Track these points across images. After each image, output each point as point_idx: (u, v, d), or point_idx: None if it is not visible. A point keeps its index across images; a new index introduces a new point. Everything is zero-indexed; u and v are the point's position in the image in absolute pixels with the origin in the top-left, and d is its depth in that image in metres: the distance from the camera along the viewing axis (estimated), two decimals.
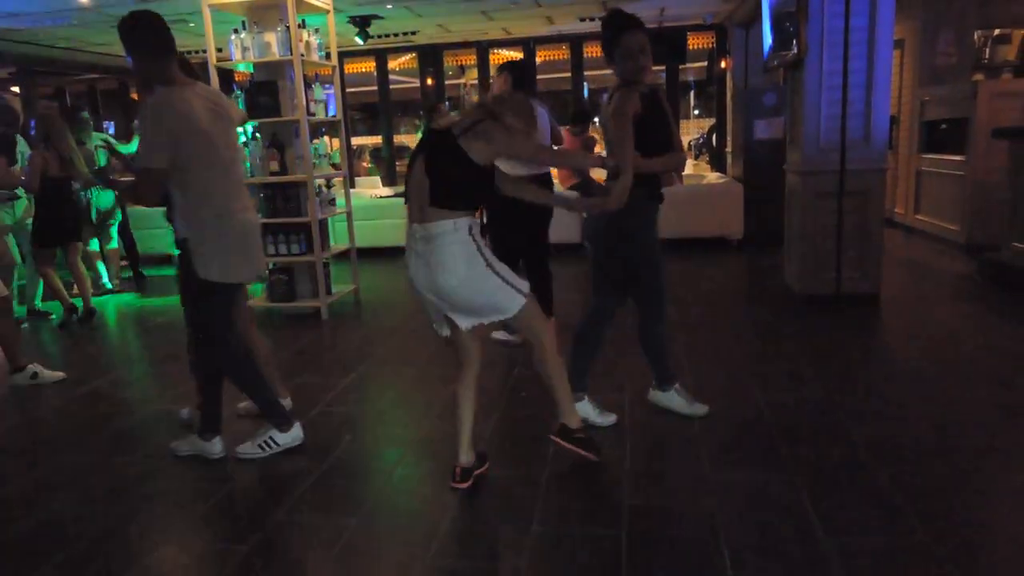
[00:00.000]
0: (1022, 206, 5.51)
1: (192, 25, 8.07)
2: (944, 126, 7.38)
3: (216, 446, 3.27)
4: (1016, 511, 2.54)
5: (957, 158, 6.98)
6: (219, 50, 5.76)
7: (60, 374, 4.52)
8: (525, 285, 2.81)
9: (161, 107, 2.85)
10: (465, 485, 2.86)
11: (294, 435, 3.31)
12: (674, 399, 3.48)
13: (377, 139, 12.88)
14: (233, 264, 3.08)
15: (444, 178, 2.64)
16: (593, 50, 10.76)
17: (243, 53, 5.55)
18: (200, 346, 3.32)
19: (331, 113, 6.12)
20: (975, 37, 7.54)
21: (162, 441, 3.49)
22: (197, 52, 9.06)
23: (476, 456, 2.95)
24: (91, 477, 3.16)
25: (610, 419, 3.42)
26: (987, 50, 7.45)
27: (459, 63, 12.26)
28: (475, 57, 11.38)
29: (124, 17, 2.92)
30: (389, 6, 8.18)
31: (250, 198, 3.30)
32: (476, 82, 11.66)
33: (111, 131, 11.19)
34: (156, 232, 7.74)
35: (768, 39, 5.83)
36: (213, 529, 2.72)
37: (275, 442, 3.27)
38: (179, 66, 3.00)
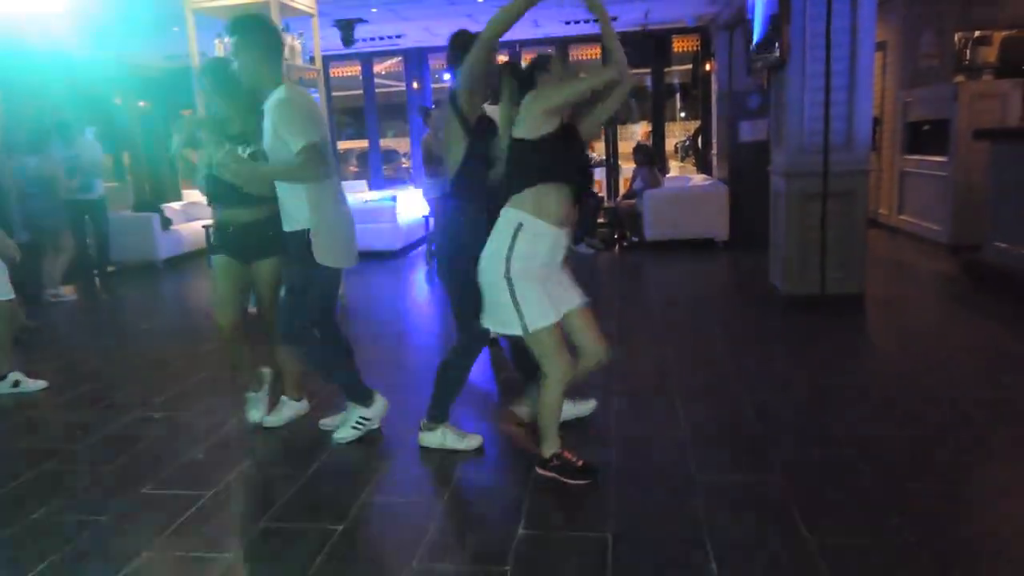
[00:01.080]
0: (1003, 206, 5.56)
1: (176, 29, 8.03)
2: (927, 127, 7.44)
3: (378, 404, 3.44)
4: (1000, 509, 2.56)
5: (940, 159, 7.04)
6: (203, 54, 5.72)
7: (43, 382, 4.47)
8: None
9: (294, 99, 3.02)
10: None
11: (378, 407, 3.43)
12: (448, 436, 3.26)
13: (363, 143, 12.85)
14: (347, 250, 3.28)
15: None
16: (579, 52, 10.79)
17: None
18: (293, 334, 3.30)
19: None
20: (956, 39, 7.63)
21: (146, 446, 3.46)
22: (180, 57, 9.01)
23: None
24: (71, 480, 3.13)
25: (474, 442, 3.25)
26: (968, 52, 7.55)
27: (445, 66, 12.25)
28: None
29: (239, 19, 3.09)
30: (374, 9, 8.17)
31: None
32: None
33: None
34: None
35: (758, 36, 5.84)
36: (196, 537, 2.70)
37: (365, 418, 3.40)
38: None
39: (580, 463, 2.90)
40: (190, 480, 3.13)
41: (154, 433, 3.70)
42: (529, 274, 2.71)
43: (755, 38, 5.76)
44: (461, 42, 3.12)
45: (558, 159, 2.72)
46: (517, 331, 2.74)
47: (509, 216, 2.73)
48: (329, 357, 3.39)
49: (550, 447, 2.92)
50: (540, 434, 2.93)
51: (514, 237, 2.69)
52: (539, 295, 2.72)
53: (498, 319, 2.79)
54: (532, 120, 2.68)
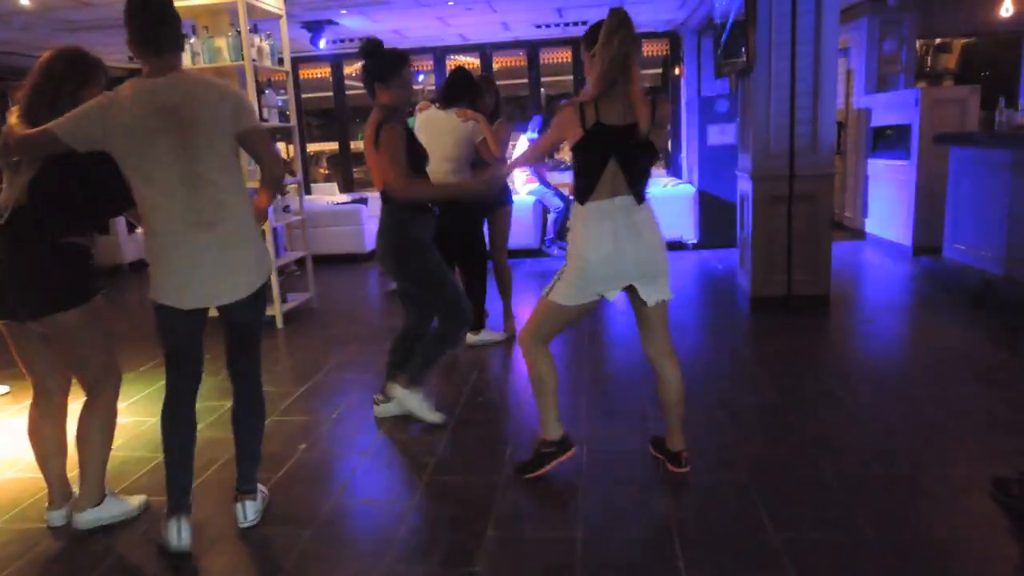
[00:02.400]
0: (962, 210, 5.70)
1: None
2: (889, 132, 7.60)
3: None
4: (960, 508, 2.63)
5: (902, 163, 7.19)
6: None
7: (4, 387, 4.39)
8: None
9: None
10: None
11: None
12: (416, 401, 3.58)
13: (333, 145, 12.76)
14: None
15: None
16: (549, 56, 10.84)
17: (192, 58, 5.46)
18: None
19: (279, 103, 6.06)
20: (918, 46, 7.81)
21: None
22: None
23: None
24: (30, 488, 3.08)
25: (437, 417, 3.56)
26: (929, 59, 7.72)
27: (415, 68, 12.23)
28: (432, 63, 11.36)
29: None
30: (344, 11, 8.13)
31: None
32: (433, 87, 11.64)
33: None
34: None
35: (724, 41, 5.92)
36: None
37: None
38: None
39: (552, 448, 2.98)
40: (156, 486, 3.09)
41: (118, 439, 3.64)
42: (583, 262, 2.73)
43: (722, 43, 5.84)
44: (367, 52, 3.42)
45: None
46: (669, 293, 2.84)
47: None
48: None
49: (544, 432, 2.98)
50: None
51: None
52: (579, 279, 2.76)
53: (665, 287, 2.85)
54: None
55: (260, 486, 2.84)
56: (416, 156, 3.41)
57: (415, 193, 3.37)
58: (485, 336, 4.83)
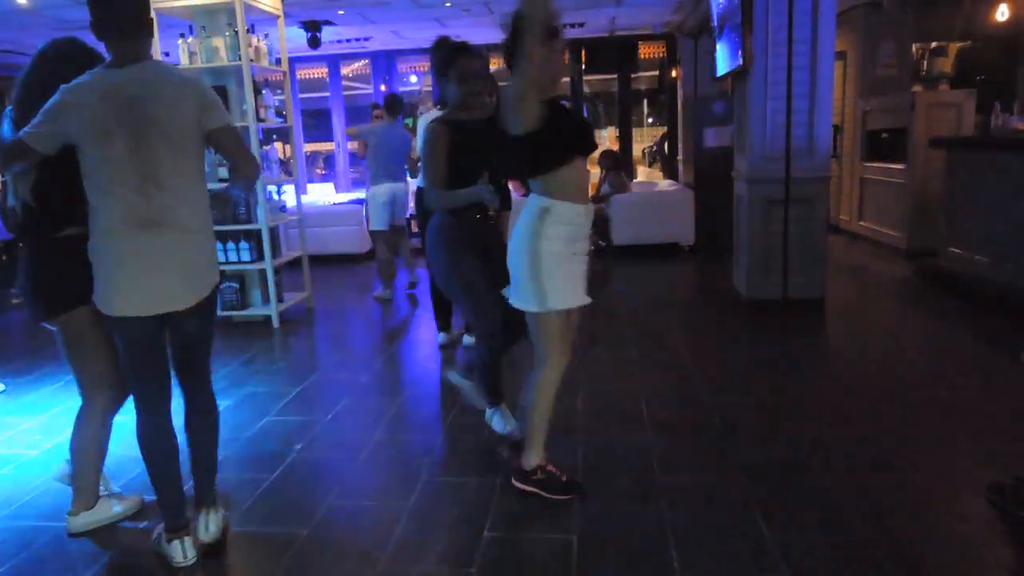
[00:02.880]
0: (958, 213, 5.72)
1: None
2: (885, 135, 7.62)
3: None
4: (955, 510, 2.64)
5: (898, 166, 7.21)
6: (166, 55, 5.65)
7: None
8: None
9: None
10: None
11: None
12: (465, 386, 3.46)
13: (330, 145, 12.76)
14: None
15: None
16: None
17: (190, 58, 5.46)
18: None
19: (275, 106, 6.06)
20: (913, 50, 7.82)
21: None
22: None
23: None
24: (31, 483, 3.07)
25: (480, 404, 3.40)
26: (925, 62, 7.73)
27: (412, 69, 12.23)
28: (428, 64, 11.37)
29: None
30: (341, 12, 8.14)
31: None
32: (430, 88, 11.64)
33: None
34: None
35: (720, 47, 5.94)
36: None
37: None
38: None
39: (564, 478, 2.82)
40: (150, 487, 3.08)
41: (115, 436, 3.64)
42: (556, 255, 2.62)
43: (719, 46, 5.85)
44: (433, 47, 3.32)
45: (556, 144, 2.61)
46: (534, 307, 2.66)
47: (532, 204, 2.65)
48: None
49: (534, 457, 2.83)
50: (526, 440, 2.84)
51: (541, 220, 2.60)
52: (564, 277, 2.66)
53: (521, 295, 2.71)
54: (515, 118, 2.57)
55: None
56: (464, 162, 3.14)
57: (434, 200, 3.22)
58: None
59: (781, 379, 3.98)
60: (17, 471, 3.30)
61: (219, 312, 5.80)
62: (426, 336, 5.14)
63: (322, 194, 10.60)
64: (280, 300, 5.85)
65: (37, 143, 2.26)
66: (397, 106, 6.51)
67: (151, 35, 2.39)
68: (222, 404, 2.85)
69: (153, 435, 2.49)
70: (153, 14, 2.47)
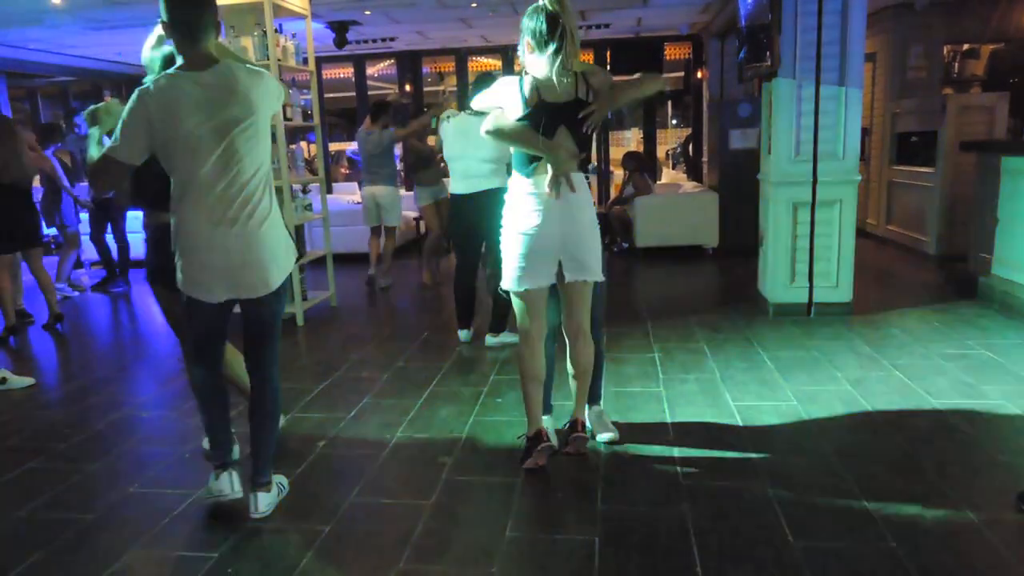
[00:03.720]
0: (988, 218, 5.62)
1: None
2: (915, 139, 7.52)
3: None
4: (984, 519, 2.59)
5: (927, 170, 7.11)
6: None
7: (30, 379, 4.44)
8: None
9: None
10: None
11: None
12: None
13: (355, 144, 12.84)
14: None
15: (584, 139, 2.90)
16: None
17: None
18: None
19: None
20: (944, 52, 7.72)
21: (130, 447, 3.46)
22: None
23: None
24: (56, 479, 3.11)
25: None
26: (956, 65, 7.63)
27: (438, 69, 12.26)
28: (454, 64, 11.39)
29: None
30: (367, 12, 8.18)
31: None
32: (456, 89, 11.67)
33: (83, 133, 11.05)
34: None
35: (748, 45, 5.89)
36: (182, 536, 2.69)
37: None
38: None
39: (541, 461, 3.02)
40: (177, 479, 3.12)
41: (141, 432, 3.69)
42: (512, 237, 2.91)
43: (746, 47, 5.80)
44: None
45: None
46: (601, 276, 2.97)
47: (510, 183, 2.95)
48: None
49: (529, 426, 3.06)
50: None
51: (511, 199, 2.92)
52: (515, 260, 2.90)
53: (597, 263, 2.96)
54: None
55: (281, 478, 2.90)
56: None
57: None
58: (505, 338, 4.83)
59: (807, 384, 3.93)
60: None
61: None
62: (448, 336, 5.15)
63: (346, 193, 10.65)
64: (304, 299, 5.90)
65: (126, 157, 2.42)
66: (377, 113, 6.89)
67: (219, 35, 2.54)
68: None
69: (202, 378, 2.79)
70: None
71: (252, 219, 2.50)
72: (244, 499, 2.76)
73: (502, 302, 4.73)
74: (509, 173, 3.01)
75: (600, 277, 2.97)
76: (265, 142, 2.56)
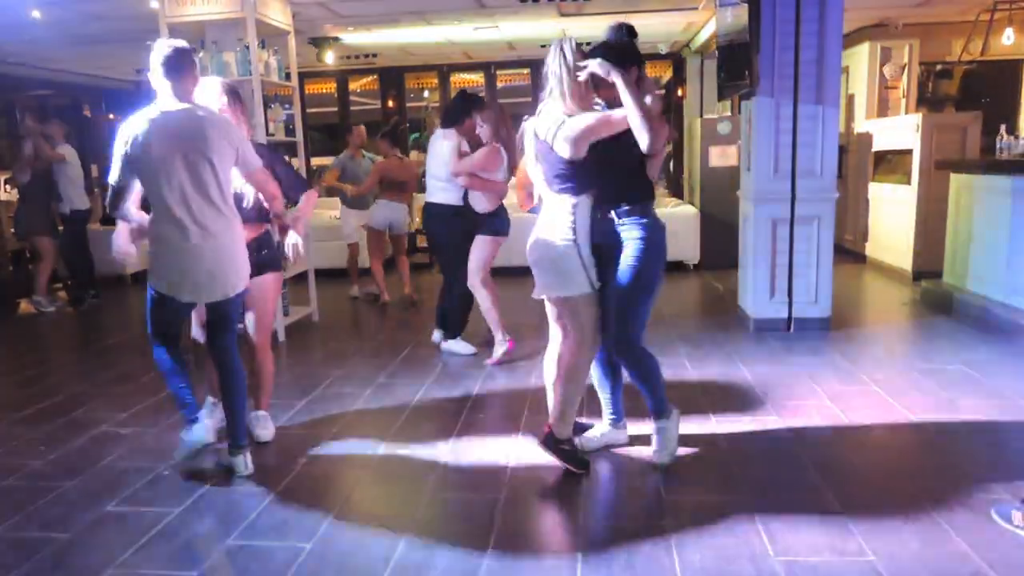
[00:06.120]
0: (963, 236, 5.71)
1: (149, 43, 7.97)
2: (891, 156, 7.63)
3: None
4: (961, 532, 2.61)
5: (904, 188, 7.22)
6: None
7: None
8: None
9: None
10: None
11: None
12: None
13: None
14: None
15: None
16: None
17: (201, 72, 5.49)
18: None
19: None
20: (919, 72, 7.86)
21: (111, 462, 3.41)
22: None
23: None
24: (33, 496, 3.07)
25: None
26: (930, 84, 7.77)
27: (420, 85, 12.30)
28: (436, 80, 11.44)
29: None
30: (350, 28, 8.20)
31: None
32: (438, 105, 11.71)
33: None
34: None
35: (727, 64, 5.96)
36: (161, 555, 2.66)
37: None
38: None
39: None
40: (155, 497, 3.09)
41: (119, 449, 3.64)
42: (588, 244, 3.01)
43: (725, 66, 5.88)
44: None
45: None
46: (583, 289, 2.99)
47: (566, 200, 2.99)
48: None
49: (564, 429, 3.11)
50: (559, 411, 3.09)
51: (573, 213, 2.96)
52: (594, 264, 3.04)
53: (564, 283, 2.99)
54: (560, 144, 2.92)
55: (261, 412, 3.63)
56: None
57: None
58: (454, 345, 5.11)
59: (786, 400, 3.97)
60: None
61: None
62: (431, 351, 5.14)
63: (327, 208, 10.61)
64: (286, 314, 5.86)
65: (123, 181, 3.03)
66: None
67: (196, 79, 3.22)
68: None
69: (169, 350, 3.28)
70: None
71: (217, 235, 3.02)
72: (228, 463, 3.24)
73: (454, 308, 5.13)
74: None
75: (556, 292, 3.03)
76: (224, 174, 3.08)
